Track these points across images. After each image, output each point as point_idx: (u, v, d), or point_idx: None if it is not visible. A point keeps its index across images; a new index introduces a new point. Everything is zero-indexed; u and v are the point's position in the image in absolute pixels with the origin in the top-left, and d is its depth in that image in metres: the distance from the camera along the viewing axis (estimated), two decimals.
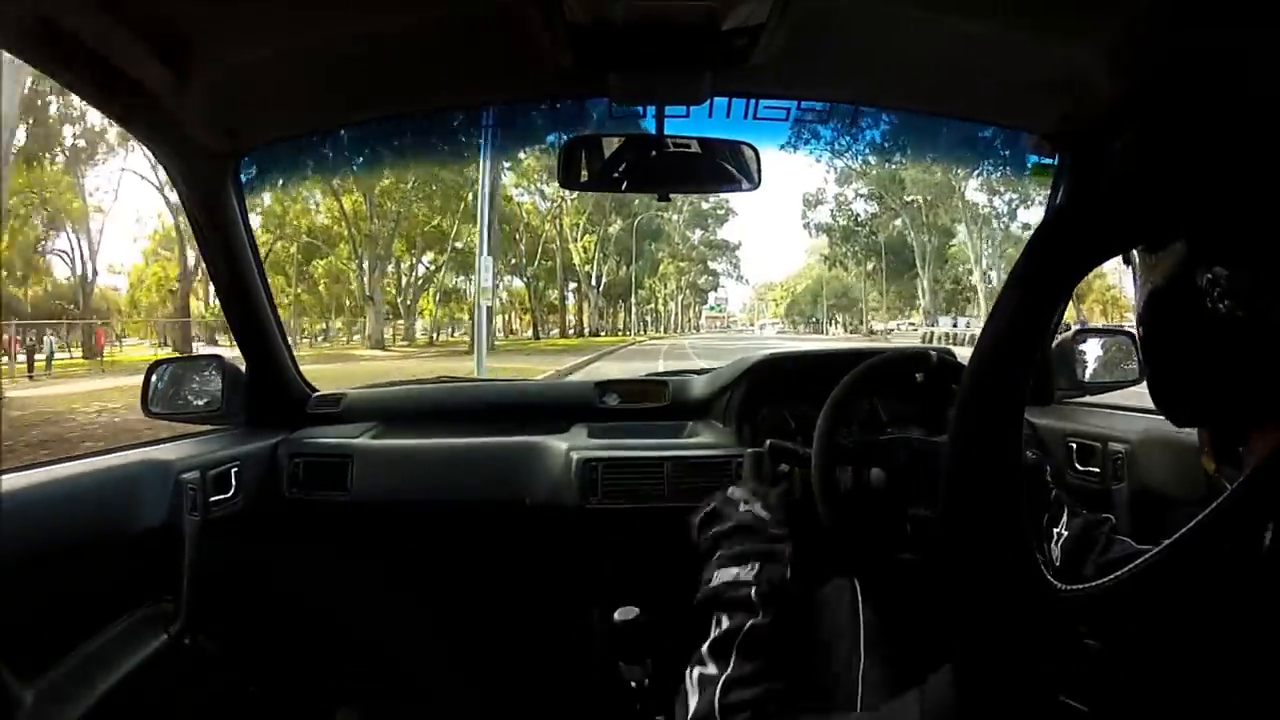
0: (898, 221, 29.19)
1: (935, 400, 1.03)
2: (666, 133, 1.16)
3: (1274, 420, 0.40)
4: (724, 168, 1.23)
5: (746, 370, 1.46)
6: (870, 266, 32.53)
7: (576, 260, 27.93)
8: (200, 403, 1.37)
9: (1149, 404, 0.49)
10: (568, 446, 1.34)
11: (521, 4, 0.89)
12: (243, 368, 1.38)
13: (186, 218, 1.19)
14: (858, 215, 30.78)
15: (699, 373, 1.59)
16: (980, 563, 0.40)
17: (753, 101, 1.17)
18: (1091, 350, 1.36)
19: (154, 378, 1.35)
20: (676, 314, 40.36)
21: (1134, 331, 0.49)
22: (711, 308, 41.52)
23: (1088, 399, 1.35)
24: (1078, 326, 1.41)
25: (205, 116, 1.05)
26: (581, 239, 27.92)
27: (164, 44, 0.89)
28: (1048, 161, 1.26)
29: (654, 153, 1.19)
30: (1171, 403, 0.47)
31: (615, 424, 1.47)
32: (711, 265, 37.57)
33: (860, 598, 0.85)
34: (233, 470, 1.20)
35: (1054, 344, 1.36)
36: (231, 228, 1.22)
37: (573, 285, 29.20)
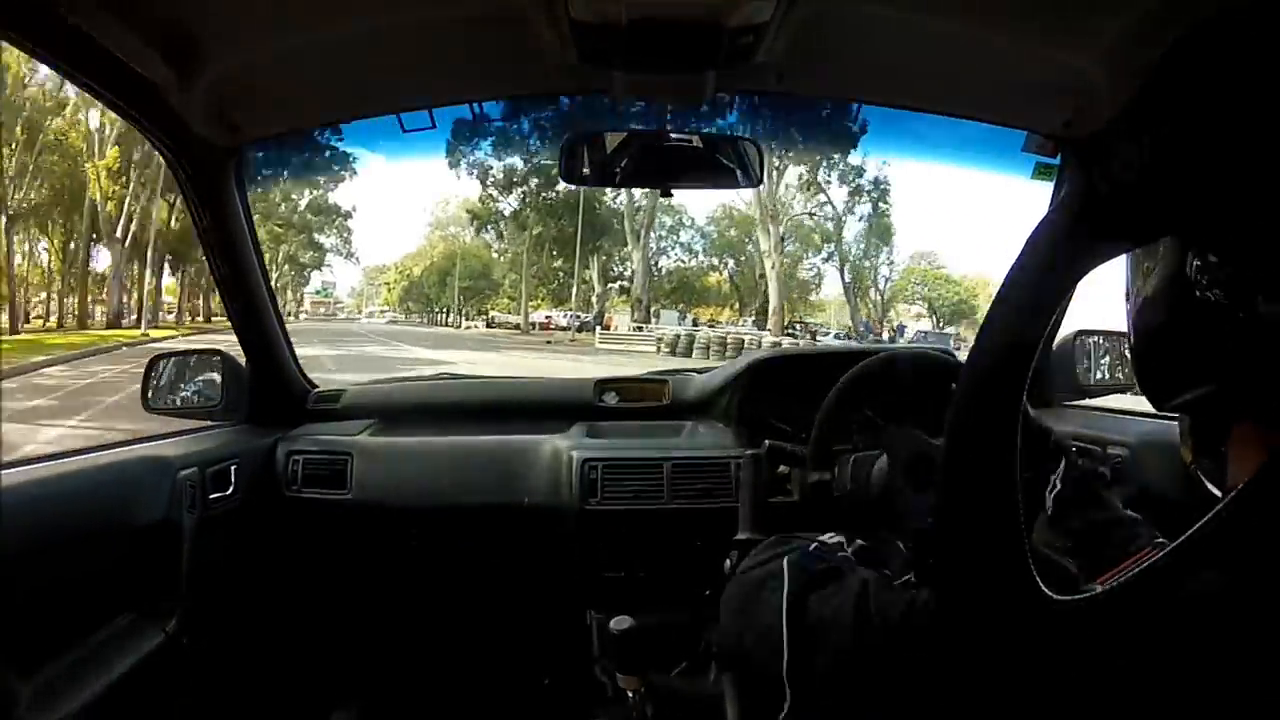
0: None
1: (933, 401, 1.03)
2: (668, 128, 1.16)
3: (1254, 418, 0.40)
4: (725, 164, 1.23)
5: (746, 370, 1.46)
6: (538, 232, 22.16)
7: (96, 193, 15.67)
8: (200, 399, 1.36)
9: (1149, 408, 0.49)
10: (567, 446, 1.34)
11: (526, 1, 0.89)
12: (243, 362, 1.38)
13: (189, 211, 1.19)
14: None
15: (699, 372, 1.59)
16: (973, 568, 0.40)
17: (755, 98, 1.17)
18: (1091, 353, 1.36)
19: (154, 372, 1.34)
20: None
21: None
22: (318, 291, 35.95)
23: (1087, 401, 1.35)
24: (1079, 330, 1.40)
25: (208, 110, 1.04)
26: (109, 152, 15.44)
27: (167, 38, 0.88)
28: (1050, 161, 1.26)
29: (655, 148, 1.19)
30: (1153, 383, 0.46)
31: (615, 423, 1.47)
32: (318, 239, 28.76)
33: None
34: (232, 467, 1.20)
35: (1054, 346, 1.36)
36: (233, 222, 1.21)
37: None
